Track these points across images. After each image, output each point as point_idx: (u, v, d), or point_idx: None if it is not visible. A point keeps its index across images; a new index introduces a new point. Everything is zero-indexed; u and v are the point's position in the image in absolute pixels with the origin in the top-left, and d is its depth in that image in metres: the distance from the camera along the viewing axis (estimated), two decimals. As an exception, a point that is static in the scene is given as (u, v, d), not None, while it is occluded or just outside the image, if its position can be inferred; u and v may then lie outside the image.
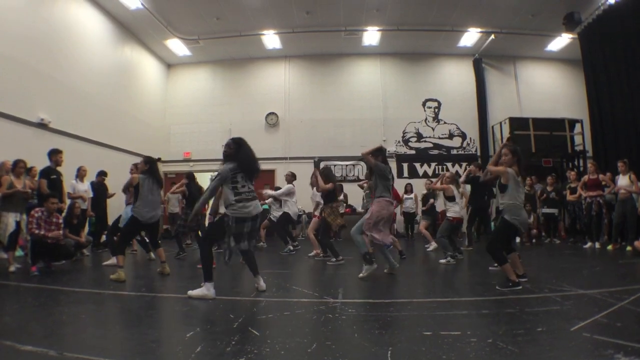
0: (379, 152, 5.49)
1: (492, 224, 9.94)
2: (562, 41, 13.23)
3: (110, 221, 9.23)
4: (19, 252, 6.36)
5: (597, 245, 8.23)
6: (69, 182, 7.69)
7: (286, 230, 8.68)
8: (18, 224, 5.79)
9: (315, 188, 7.86)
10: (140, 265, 6.58)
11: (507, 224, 4.50)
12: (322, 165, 8.72)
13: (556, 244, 9.33)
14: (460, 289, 4.83)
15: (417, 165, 14.13)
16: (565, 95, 14.18)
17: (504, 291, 4.13)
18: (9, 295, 4.25)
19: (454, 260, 6.54)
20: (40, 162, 6.96)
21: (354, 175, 13.72)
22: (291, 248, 8.23)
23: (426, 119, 14.45)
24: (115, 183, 8.99)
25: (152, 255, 6.85)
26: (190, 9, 11.38)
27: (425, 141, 14.32)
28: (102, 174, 8.73)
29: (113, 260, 6.01)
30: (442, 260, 6.51)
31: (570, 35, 12.46)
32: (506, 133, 13.05)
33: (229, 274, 5.96)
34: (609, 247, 7.94)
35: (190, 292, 3.99)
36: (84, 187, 8.06)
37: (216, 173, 4.28)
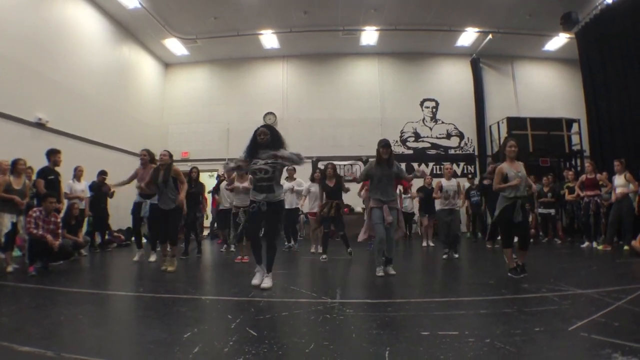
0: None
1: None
2: (559, 41, 13.28)
3: (110, 221, 9.21)
4: (16, 253, 6.33)
5: (595, 244, 8.24)
6: (66, 182, 7.63)
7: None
8: (15, 224, 5.75)
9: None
10: (138, 266, 6.55)
11: None
12: (320, 165, 8.69)
13: (556, 244, 9.32)
14: (458, 288, 4.83)
15: (415, 165, 14.13)
16: (562, 94, 14.22)
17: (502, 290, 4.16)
18: (6, 296, 4.23)
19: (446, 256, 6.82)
20: (38, 162, 6.92)
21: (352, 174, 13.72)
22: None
23: (424, 118, 14.48)
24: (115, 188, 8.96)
25: (137, 257, 6.89)
26: (188, 9, 11.37)
27: (423, 141, 14.35)
28: (102, 174, 8.69)
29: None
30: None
31: (568, 35, 12.50)
32: (504, 133, 13.07)
33: (226, 274, 5.95)
34: (600, 247, 7.90)
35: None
36: (81, 187, 8.00)
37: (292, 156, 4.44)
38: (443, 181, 7.18)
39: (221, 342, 2.63)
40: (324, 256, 6.91)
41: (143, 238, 7.62)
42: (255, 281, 4.46)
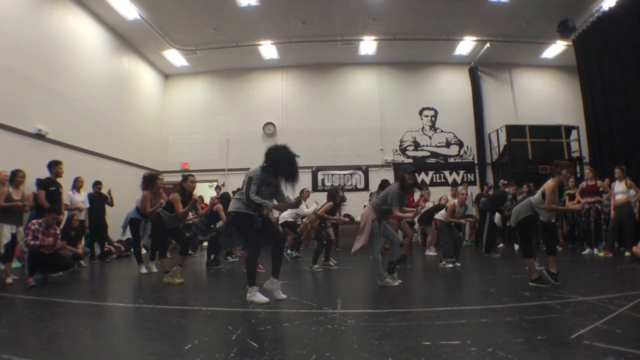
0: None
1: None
2: (557, 48, 13.37)
3: (110, 232, 9.17)
4: (16, 264, 6.32)
5: (596, 251, 8.22)
6: (66, 193, 7.63)
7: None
8: (14, 235, 5.74)
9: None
10: (138, 277, 6.53)
11: None
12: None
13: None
14: (459, 298, 4.81)
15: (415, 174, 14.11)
16: (561, 102, 14.29)
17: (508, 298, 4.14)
18: (5, 307, 4.21)
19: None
20: (38, 173, 6.93)
21: (351, 184, 13.72)
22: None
23: (423, 127, 14.52)
24: (114, 194, 8.95)
25: (144, 269, 6.78)
26: (187, 20, 11.45)
27: (422, 150, 14.37)
28: (97, 184, 8.70)
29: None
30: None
31: (565, 43, 12.58)
32: (503, 140, 13.11)
33: (226, 285, 5.93)
34: (601, 253, 7.89)
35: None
36: (81, 198, 8.00)
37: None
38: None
39: (222, 354, 2.61)
40: (317, 266, 6.98)
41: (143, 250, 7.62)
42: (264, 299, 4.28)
